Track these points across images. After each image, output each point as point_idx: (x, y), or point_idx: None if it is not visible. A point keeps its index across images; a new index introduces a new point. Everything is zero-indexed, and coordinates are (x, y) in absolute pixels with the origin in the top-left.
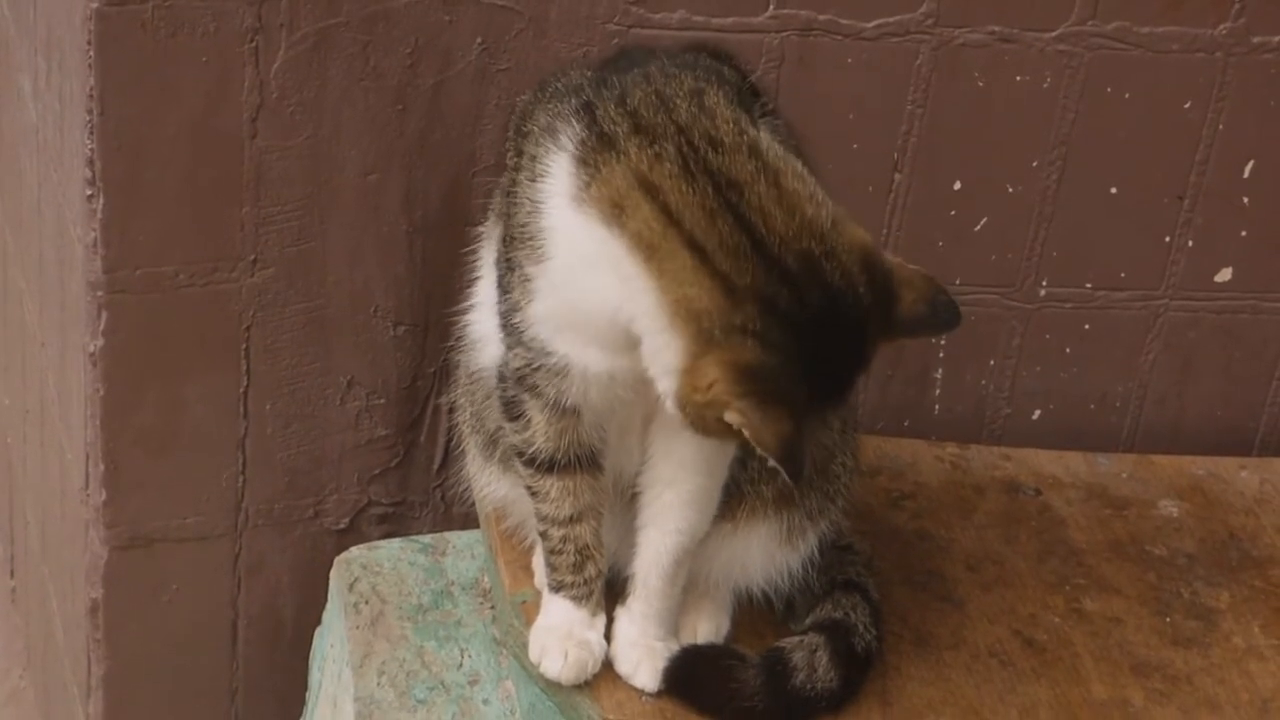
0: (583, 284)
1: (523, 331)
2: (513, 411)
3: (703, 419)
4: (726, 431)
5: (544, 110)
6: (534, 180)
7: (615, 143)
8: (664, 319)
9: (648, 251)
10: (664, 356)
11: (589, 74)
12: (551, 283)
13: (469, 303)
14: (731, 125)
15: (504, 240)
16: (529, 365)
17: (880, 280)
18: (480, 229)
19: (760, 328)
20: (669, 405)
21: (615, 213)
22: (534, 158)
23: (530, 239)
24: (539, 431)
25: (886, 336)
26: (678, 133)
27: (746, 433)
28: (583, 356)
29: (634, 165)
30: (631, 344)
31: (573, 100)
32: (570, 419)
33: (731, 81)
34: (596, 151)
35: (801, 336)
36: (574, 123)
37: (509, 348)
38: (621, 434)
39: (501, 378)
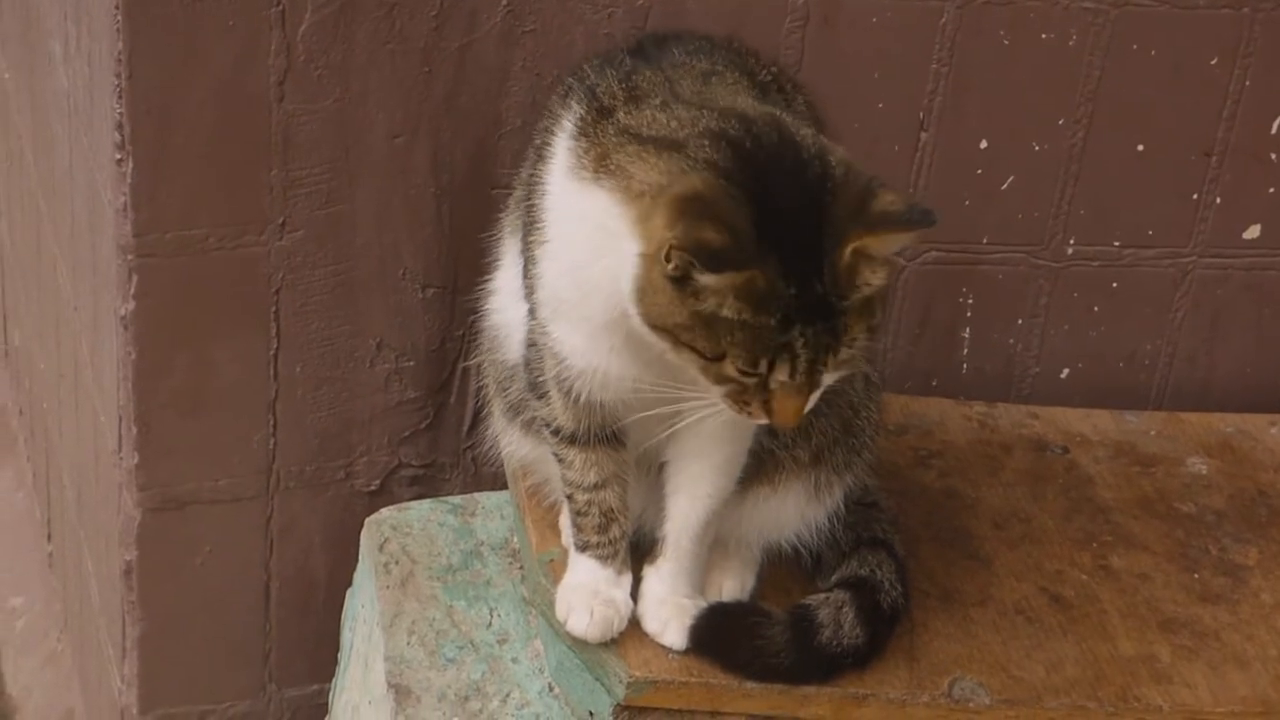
0: (572, 253)
1: (533, 311)
2: (538, 391)
3: (661, 295)
4: (683, 307)
5: (558, 102)
6: (540, 161)
7: (612, 112)
8: (627, 219)
9: (625, 180)
10: (628, 249)
11: (596, 61)
12: (549, 265)
13: (491, 286)
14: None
15: (524, 227)
16: (543, 341)
17: (856, 176)
18: (500, 216)
19: (706, 156)
20: (633, 310)
21: (602, 164)
22: (544, 143)
23: (535, 222)
24: (558, 411)
25: (860, 226)
26: (669, 89)
27: (675, 242)
28: (572, 345)
29: (622, 123)
30: (609, 320)
31: (578, 87)
32: (591, 407)
33: (749, 70)
34: (594, 124)
35: (752, 165)
36: (574, 105)
37: (530, 318)
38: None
39: (527, 362)
